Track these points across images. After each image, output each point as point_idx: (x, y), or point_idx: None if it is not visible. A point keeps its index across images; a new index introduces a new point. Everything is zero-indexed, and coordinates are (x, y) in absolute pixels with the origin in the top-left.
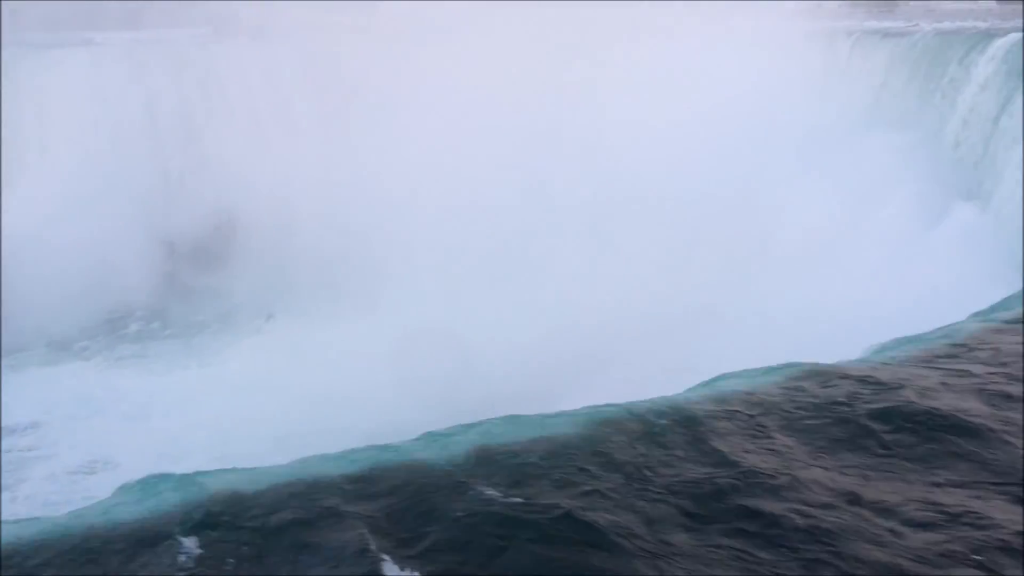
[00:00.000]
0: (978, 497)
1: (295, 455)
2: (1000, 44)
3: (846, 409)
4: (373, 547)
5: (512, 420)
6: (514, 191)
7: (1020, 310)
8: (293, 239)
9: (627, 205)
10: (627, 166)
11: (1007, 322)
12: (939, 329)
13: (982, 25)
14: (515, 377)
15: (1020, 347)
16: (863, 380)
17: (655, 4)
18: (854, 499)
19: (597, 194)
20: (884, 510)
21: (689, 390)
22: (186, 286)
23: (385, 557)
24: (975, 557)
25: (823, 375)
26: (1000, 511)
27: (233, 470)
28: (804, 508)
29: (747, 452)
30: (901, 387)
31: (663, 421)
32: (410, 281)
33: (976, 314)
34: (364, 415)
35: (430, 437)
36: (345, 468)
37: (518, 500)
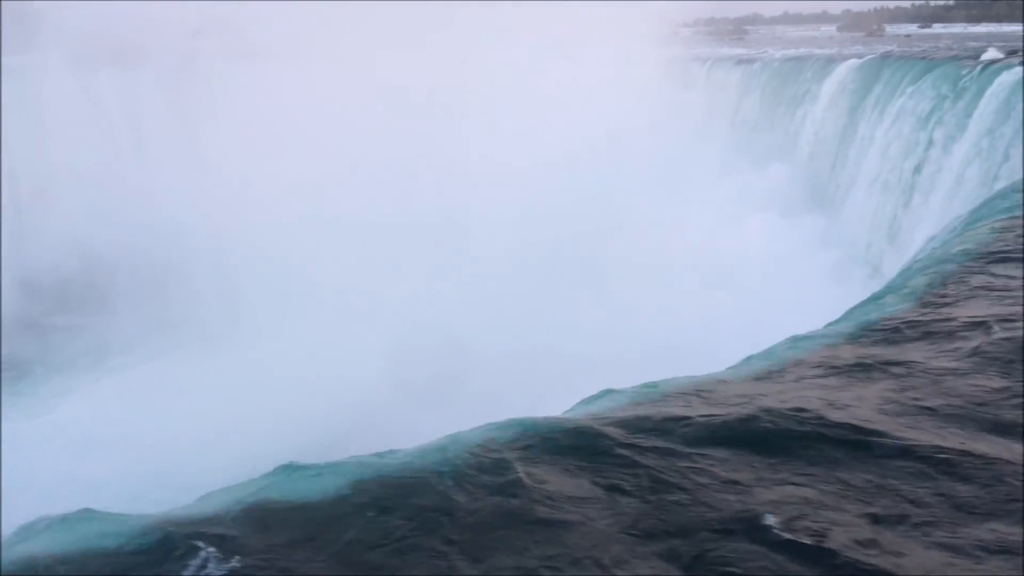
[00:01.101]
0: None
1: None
2: (843, 68)
3: (706, 421)
4: None
5: (290, 470)
6: (375, 211)
7: (872, 317)
8: (160, 272)
9: (487, 226)
10: (486, 187)
11: (861, 328)
12: (790, 339)
13: (825, 52)
14: (370, 411)
15: (882, 353)
16: (725, 394)
17: (517, 35)
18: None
19: (455, 214)
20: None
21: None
22: (45, 327)
23: None
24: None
25: (680, 392)
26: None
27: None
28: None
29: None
30: (756, 399)
31: (528, 443)
32: (268, 314)
33: (829, 324)
34: (190, 459)
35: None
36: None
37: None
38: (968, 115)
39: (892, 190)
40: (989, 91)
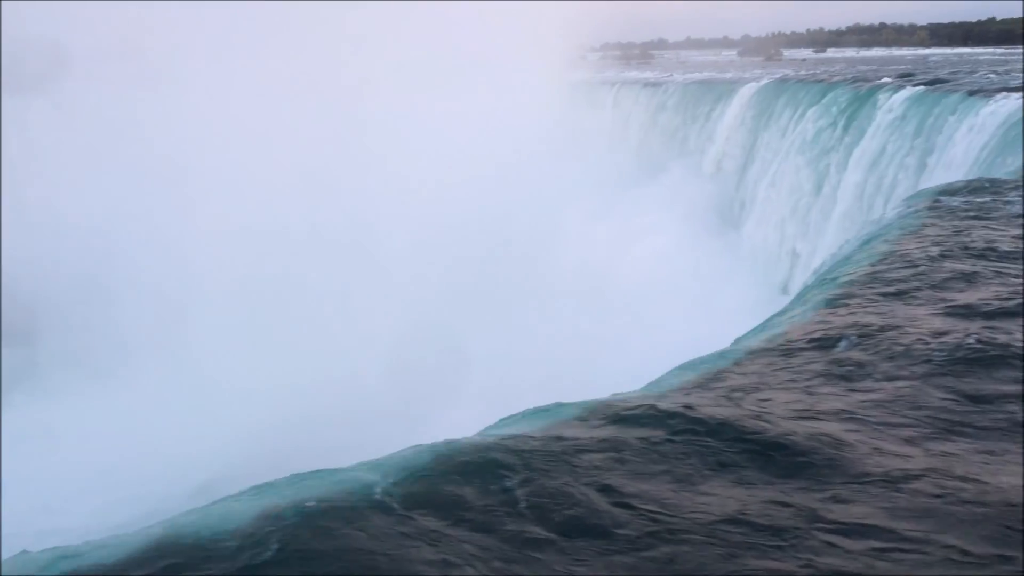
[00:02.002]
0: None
1: None
2: (744, 91)
3: (636, 439)
4: None
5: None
6: (282, 223)
7: (779, 330)
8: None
9: (394, 242)
10: (393, 204)
11: (767, 342)
12: (710, 355)
13: (727, 76)
14: (276, 435)
15: (794, 362)
16: (648, 410)
17: (428, 56)
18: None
19: (362, 230)
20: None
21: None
22: None
23: None
24: None
25: (606, 410)
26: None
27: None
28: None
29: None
30: (686, 412)
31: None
32: (163, 341)
33: (738, 339)
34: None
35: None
36: None
37: None
38: (862, 135)
39: (793, 209)
40: (881, 111)
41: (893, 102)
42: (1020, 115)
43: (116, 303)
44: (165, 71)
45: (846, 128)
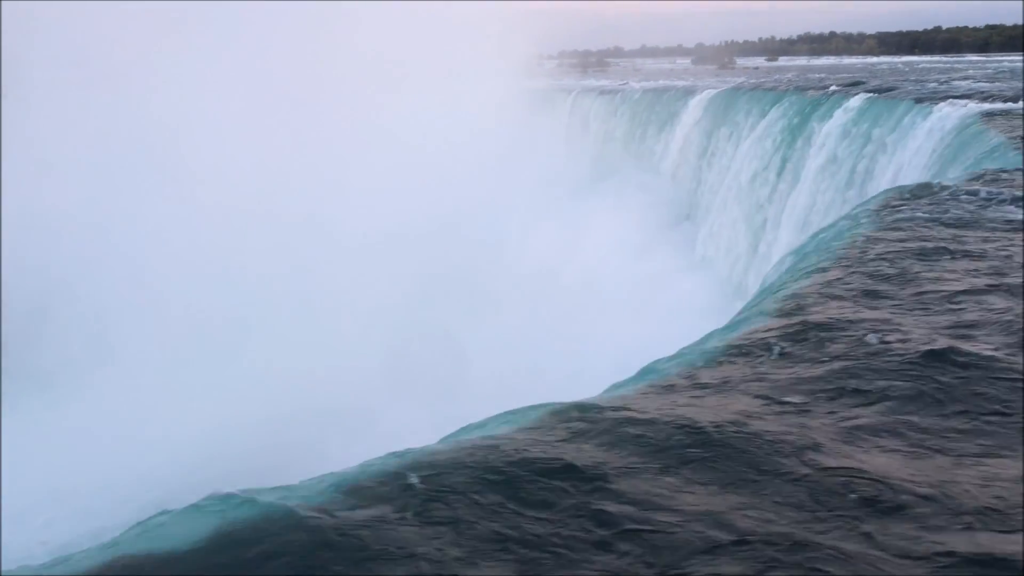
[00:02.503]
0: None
1: None
2: (699, 98)
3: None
4: None
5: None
6: (243, 216)
7: (739, 333)
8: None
9: (356, 242)
10: (354, 207)
11: (730, 345)
12: (672, 356)
13: (682, 84)
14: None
15: (749, 369)
16: (614, 412)
17: (388, 60)
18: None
19: (323, 228)
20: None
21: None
22: None
23: None
24: None
25: (569, 413)
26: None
27: None
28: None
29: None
30: (648, 414)
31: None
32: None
33: (693, 344)
34: None
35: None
36: None
37: None
38: (812, 142)
39: (746, 219)
40: (830, 120)
41: (843, 110)
42: (968, 121)
43: (79, 311)
44: (133, 73)
45: (797, 135)
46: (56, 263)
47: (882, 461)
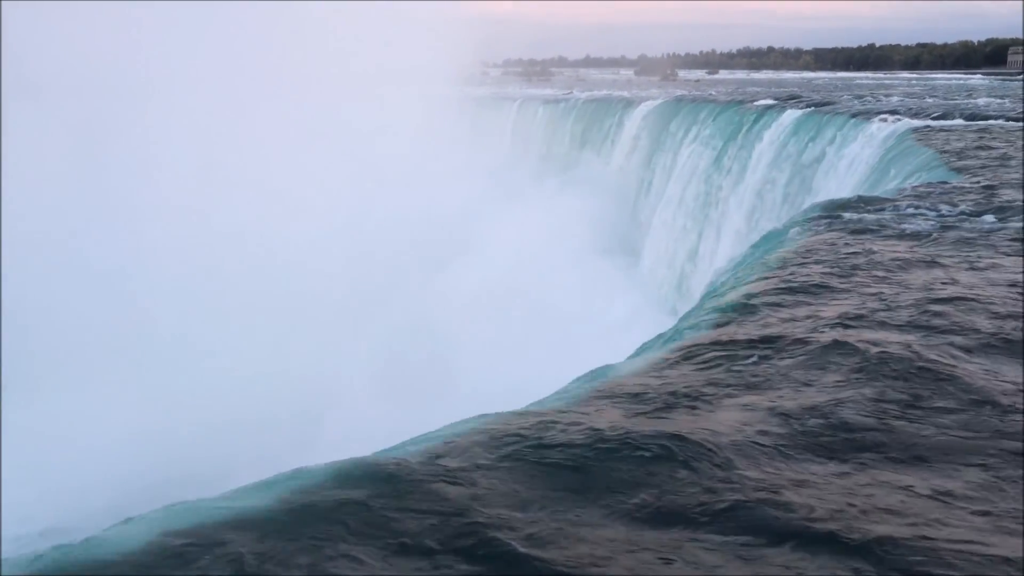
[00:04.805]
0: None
1: None
2: (641, 108)
3: (548, 451)
4: None
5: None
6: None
7: (674, 343)
8: None
9: (297, 252)
10: (300, 210)
11: (671, 354)
12: (620, 365)
13: (625, 94)
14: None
15: (691, 374)
16: (554, 422)
17: (331, 68)
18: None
19: (269, 237)
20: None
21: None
22: None
23: None
24: None
25: (513, 423)
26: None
27: None
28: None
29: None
30: (587, 422)
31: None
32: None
33: (643, 347)
34: None
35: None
36: None
37: None
38: (751, 155)
39: (687, 229)
40: (768, 133)
41: (780, 123)
42: (900, 136)
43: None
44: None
45: (737, 147)
46: (20, 266)
47: (820, 473)
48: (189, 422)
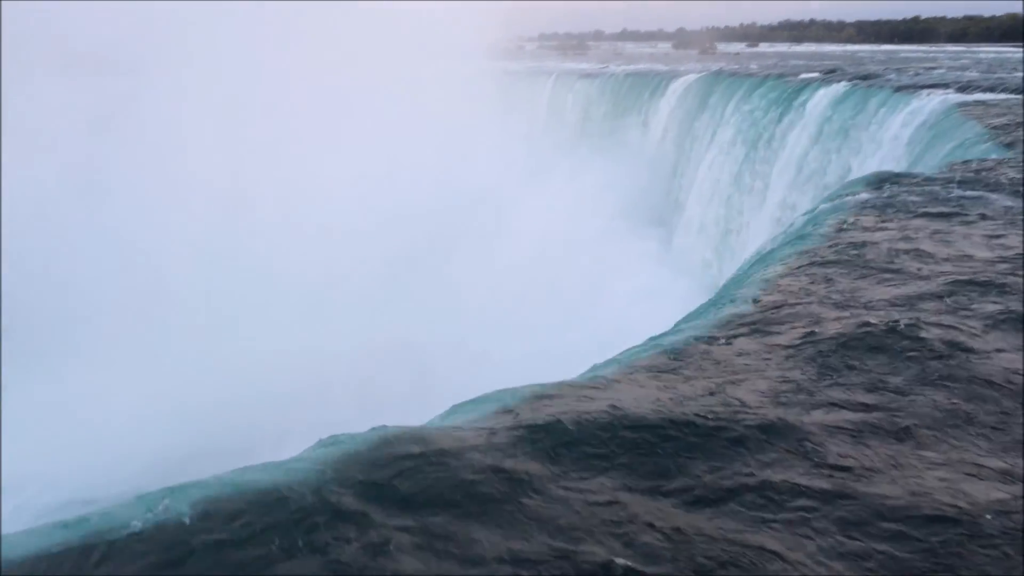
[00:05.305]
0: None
1: None
2: (680, 82)
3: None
4: None
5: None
6: (223, 224)
7: (709, 320)
8: None
9: (331, 236)
10: (326, 197)
11: (714, 328)
12: (648, 341)
13: (663, 67)
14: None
15: (727, 350)
16: (584, 398)
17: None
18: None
19: (297, 225)
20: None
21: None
22: None
23: None
24: None
25: (541, 399)
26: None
27: None
28: None
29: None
30: (620, 400)
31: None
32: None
33: (680, 322)
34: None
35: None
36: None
37: None
38: (792, 130)
39: (724, 204)
40: (810, 106)
41: (821, 97)
42: (945, 110)
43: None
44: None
45: (776, 122)
46: (40, 242)
47: (869, 452)
48: (215, 396)
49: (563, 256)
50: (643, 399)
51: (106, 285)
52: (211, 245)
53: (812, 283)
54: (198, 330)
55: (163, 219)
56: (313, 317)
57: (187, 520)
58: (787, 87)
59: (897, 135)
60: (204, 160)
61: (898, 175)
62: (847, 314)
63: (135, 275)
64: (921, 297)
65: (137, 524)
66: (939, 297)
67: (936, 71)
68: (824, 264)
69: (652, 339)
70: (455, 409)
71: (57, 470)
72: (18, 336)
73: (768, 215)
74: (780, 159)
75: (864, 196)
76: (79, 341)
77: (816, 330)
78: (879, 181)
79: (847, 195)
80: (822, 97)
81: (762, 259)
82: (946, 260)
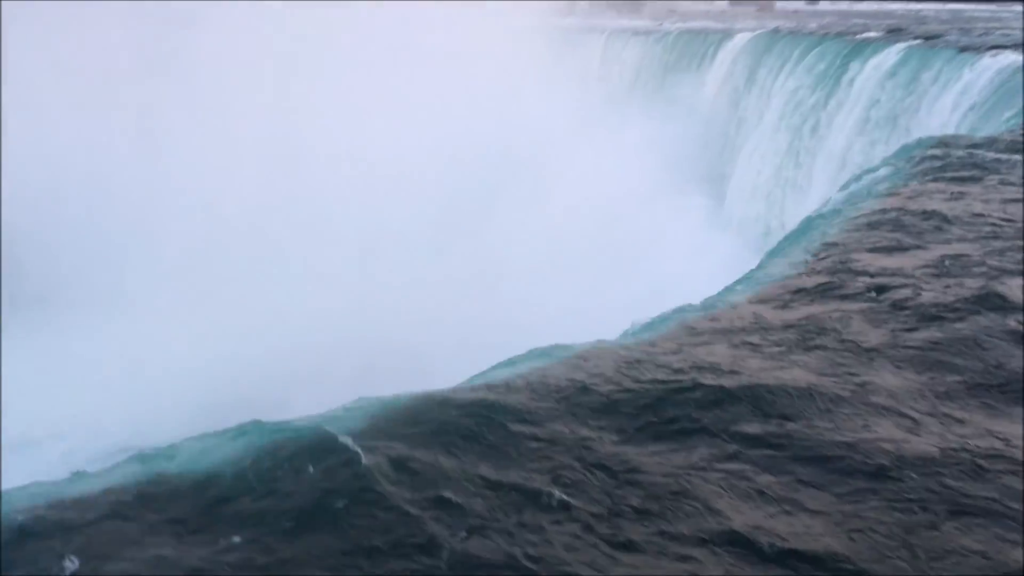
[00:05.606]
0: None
1: None
2: (736, 40)
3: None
4: None
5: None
6: (260, 194)
7: (763, 283)
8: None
9: (388, 194)
10: (383, 164)
11: (764, 289)
12: (705, 301)
13: (718, 26)
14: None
15: (778, 314)
16: (628, 359)
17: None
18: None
19: (352, 197)
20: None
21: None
22: None
23: None
24: None
25: (588, 358)
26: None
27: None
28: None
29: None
30: (668, 362)
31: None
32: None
33: (731, 286)
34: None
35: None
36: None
37: None
38: (851, 90)
39: (779, 166)
40: (870, 67)
41: (883, 57)
42: (1012, 72)
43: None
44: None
45: (835, 82)
46: (64, 194)
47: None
48: (261, 346)
49: (611, 209)
50: (668, 364)
51: (158, 234)
52: (263, 196)
53: (862, 248)
54: (245, 281)
55: (216, 169)
56: (360, 272)
57: (241, 462)
58: (848, 46)
59: (960, 97)
60: (258, 111)
61: (958, 138)
62: (900, 277)
63: (187, 224)
64: (979, 261)
65: (183, 467)
66: (997, 261)
67: (1005, 32)
68: (875, 228)
69: (693, 306)
70: (499, 366)
71: (105, 417)
72: (71, 284)
73: (824, 176)
74: (837, 120)
75: (923, 160)
76: (130, 289)
77: (873, 294)
78: (938, 144)
79: (905, 159)
80: (884, 57)
81: (813, 223)
82: (1004, 226)
